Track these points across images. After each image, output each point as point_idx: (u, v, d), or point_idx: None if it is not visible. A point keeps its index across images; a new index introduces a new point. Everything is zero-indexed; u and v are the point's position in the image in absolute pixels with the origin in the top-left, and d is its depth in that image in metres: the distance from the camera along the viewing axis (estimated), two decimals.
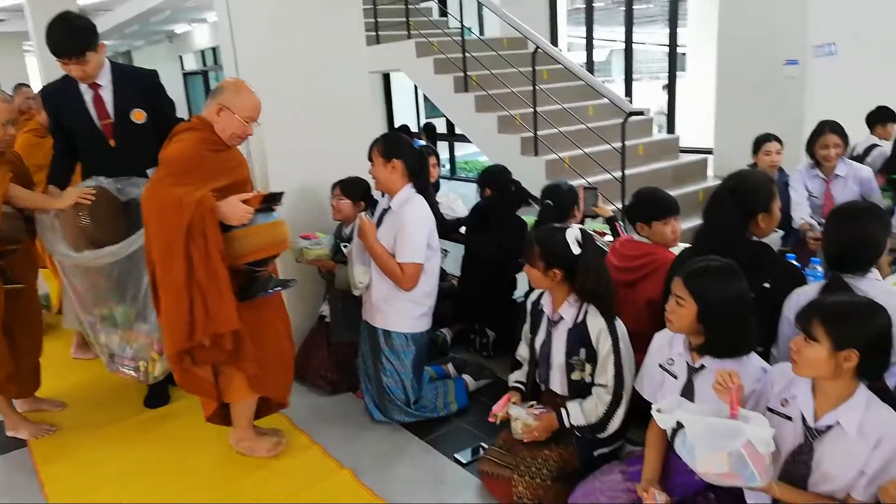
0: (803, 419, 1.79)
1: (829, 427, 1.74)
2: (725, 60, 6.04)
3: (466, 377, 3.30)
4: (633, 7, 7.82)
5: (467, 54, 6.22)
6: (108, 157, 3.02)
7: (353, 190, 3.42)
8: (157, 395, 3.34)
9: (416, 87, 9.33)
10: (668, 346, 2.22)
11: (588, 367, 2.36)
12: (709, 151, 6.56)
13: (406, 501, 2.54)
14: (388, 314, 2.96)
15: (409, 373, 2.98)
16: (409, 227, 2.84)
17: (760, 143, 4.31)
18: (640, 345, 2.41)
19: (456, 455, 2.81)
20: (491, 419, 2.52)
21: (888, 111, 5.14)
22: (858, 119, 5.19)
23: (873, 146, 4.98)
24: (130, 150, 3.03)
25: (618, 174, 5.35)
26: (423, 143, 6.65)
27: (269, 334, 2.66)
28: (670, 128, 7.15)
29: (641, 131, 6.69)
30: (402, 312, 2.96)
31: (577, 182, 4.13)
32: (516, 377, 2.67)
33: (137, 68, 3.32)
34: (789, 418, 1.83)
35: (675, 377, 2.18)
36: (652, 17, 13.00)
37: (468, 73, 6.25)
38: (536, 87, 5.76)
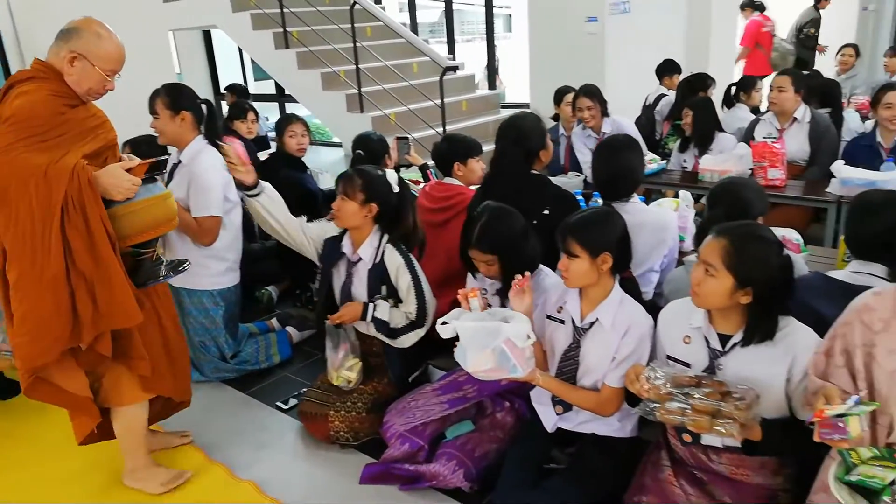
0: (573, 322, 2.05)
1: (591, 324, 2.01)
2: (536, 19, 6.39)
3: (290, 329, 3.33)
4: None
5: (286, 10, 6.07)
6: None
7: (146, 149, 3.24)
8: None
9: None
10: (480, 281, 2.41)
11: (390, 302, 2.50)
12: (527, 106, 6.95)
13: (229, 453, 2.55)
14: (189, 273, 2.87)
15: (221, 329, 2.95)
16: (203, 179, 2.74)
17: (561, 94, 4.67)
18: (456, 283, 2.57)
19: (278, 402, 2.86)
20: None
21: (673, 63, 5.72)
22: (650, 71, 5.75)
23: (662, 95, 5.54)
24: None
25: (441, 129, 5.54)
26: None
27: (154, 324, 2.26)
28: (491, 84, 7.47)
29: (465, 88, 6.95)
30: (205, 270, 2.88)
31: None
32: None
33: None
34: (563, 322, 2.09)
35: (490, 306, 2.37)
36: None
37: (288, 28, 6.11)
38: (359, 44, 5.78)
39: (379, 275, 2.49)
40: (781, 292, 1.67)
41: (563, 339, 2.08)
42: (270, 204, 2.55)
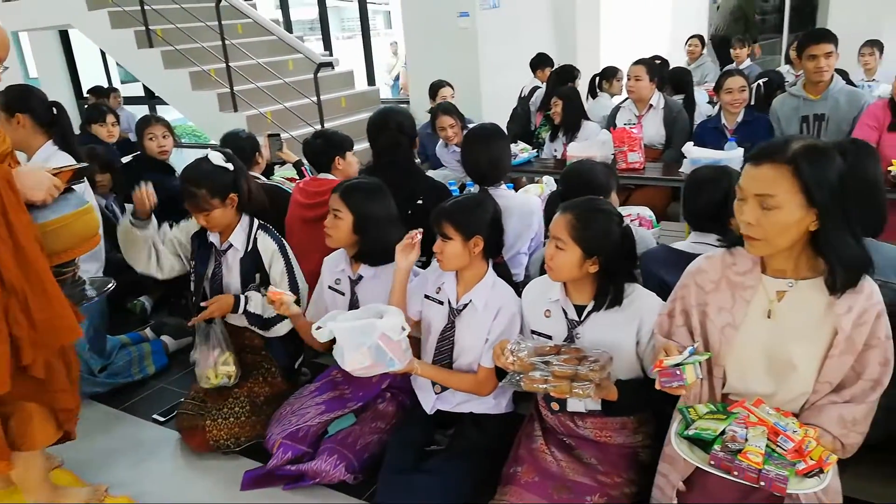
0: (449, 303, 2.11)
1: (465, 305, 2.08)
2: (409, 15, 6.45)
3: (165, 338, 3.19)
4: None
5: (147, 7, 5.78)
6: None
7: None
8: None
9: None
10: (335, 266, 2.42)
11: (263, 290, 2.45)
12: (407, 101, 7.00)
13: (104, 472, 2.42)
14: None
15: (84, 344, 2.77)
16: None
17: (436, 89, 4.76)
18: None
19: (155, 415, 2.73)
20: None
21: (545, 57, 5.96)
22: (523, 63, 5.95)
23: (536, 87, 5.76)
24: None
25: (319, 126, 5.47)
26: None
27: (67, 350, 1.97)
28: (370, 80, 7.46)
29: (343, 84, 6.90)
30: None
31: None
32: None
33: None
34: (441, 303, 2.15)
35: (343, 294, 2.39)
36: None
37: (151, 27, 5.82)
38: (229, 42, 5.60)
39: (253, 262, 2.44)
40: (625, 260, 1.80)
41: (439, 320, 2.14)
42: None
